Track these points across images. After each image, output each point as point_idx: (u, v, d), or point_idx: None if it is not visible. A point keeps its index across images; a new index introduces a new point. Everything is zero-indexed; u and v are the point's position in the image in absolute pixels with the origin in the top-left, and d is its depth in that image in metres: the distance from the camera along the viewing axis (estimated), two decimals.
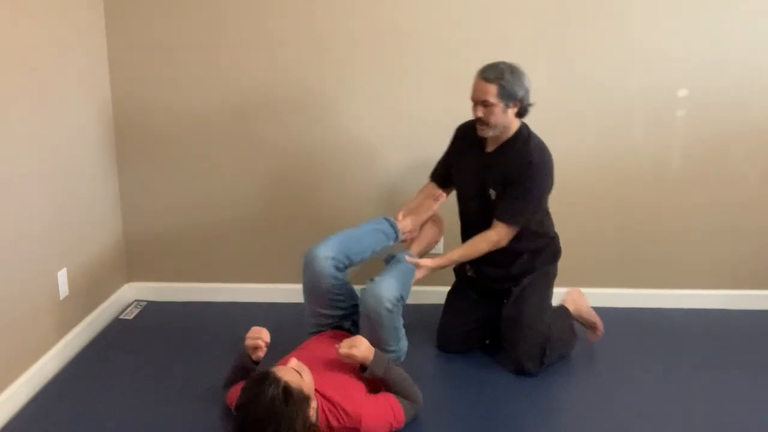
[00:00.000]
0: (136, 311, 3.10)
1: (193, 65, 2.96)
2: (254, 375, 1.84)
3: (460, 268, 2.69)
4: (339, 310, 2.41)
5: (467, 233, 2.56)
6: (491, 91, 2.26)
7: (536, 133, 2.44)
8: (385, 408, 2.02)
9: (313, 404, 1.86)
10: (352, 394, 2.00)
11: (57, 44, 2.55)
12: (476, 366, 2.54)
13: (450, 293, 2.76)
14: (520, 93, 2.29)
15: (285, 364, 1.91)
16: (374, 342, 2.14)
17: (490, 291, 2.61)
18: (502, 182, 2.40)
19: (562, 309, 2.61)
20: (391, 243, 2.52)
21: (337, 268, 2.34)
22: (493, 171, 2.42)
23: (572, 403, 2.29)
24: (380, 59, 2.92)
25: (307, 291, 2.39)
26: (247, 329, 2.15)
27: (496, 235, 2.40)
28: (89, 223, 2.83)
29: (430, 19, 2.86)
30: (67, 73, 2.63)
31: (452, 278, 2.78)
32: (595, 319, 2.65)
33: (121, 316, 3.04)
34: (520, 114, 2.37)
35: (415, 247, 2.59)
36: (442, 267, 2.47)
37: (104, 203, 2.99)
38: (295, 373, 1.84)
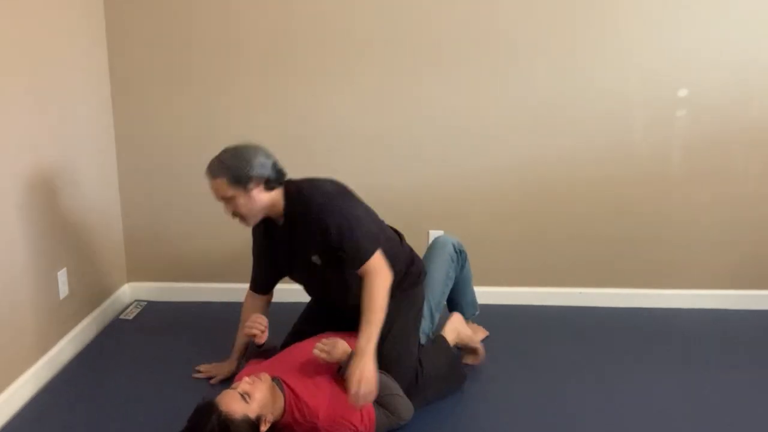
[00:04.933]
0: (136, 311, 3.10)
1: (195, 64, 2.97)
2: (199, 405, 1.88)
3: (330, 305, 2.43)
4: None
5: (319, 300, 2.49)
6: (222, 186, 2.09)
7: (302, 178, 2.24)
8: (351, 409, 1.99)
9: (269, 417, 1.92)
10: (319, 390, 2.02)
11: (57, 44, 2.56)
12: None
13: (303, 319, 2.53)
14: (253, 171, 2.08)
15: (255, 372, 2.02)
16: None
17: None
18: (316, 246, 2.17)
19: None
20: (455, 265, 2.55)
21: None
22: (300, 241, 2.20)
23: (572, 403, 2.29)
24: (382, 57, 2.93)
25: None
26: None
27: (376, 276, 2.08)
28: (89, 223, 2.83)
29: (430, 22, 2.87)
30: (67, 72, 2.63)
31: None
32: (477, 345, 2.54)
33: (121, 316, 3.05)
34: (271, 187, 2.15)
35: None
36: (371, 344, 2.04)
37: (104, 203, 2.99)
38: (238, 400, 1.87)
